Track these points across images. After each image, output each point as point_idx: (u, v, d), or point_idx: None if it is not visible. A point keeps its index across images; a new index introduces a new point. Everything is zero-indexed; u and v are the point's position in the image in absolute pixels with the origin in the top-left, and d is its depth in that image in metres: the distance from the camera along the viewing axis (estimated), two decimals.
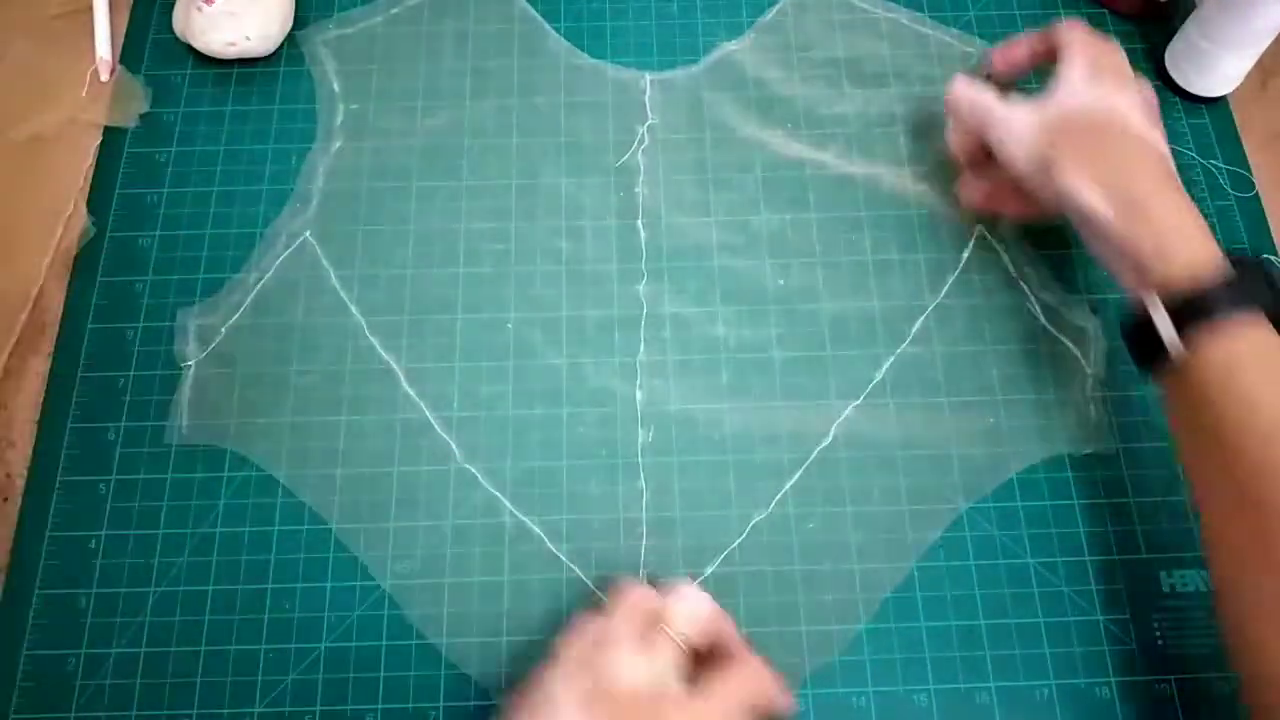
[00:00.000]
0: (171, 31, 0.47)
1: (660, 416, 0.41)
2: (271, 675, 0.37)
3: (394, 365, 0.41)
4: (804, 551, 0.39)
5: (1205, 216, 0.44)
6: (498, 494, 0.40)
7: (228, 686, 0.37)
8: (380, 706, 0.37)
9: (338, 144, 0.46)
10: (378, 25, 0.48)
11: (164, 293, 0.43)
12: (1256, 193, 0.45)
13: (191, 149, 0.46)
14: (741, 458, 0.40)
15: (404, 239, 0.44)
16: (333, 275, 0.43)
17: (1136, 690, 0.37)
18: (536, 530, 0.39)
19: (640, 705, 0.31)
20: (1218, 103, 0.47)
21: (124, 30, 0.49)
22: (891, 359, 0.42)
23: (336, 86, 0.47)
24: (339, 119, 0.46)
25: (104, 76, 0.47)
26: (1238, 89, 0.46)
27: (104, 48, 0.48)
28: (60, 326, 0.42)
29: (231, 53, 0.46)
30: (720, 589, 0.38)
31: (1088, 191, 0.37)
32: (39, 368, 0.42)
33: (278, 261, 0.43)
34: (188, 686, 0.37)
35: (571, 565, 0.39)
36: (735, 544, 0.39)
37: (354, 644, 0.38)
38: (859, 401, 0.41)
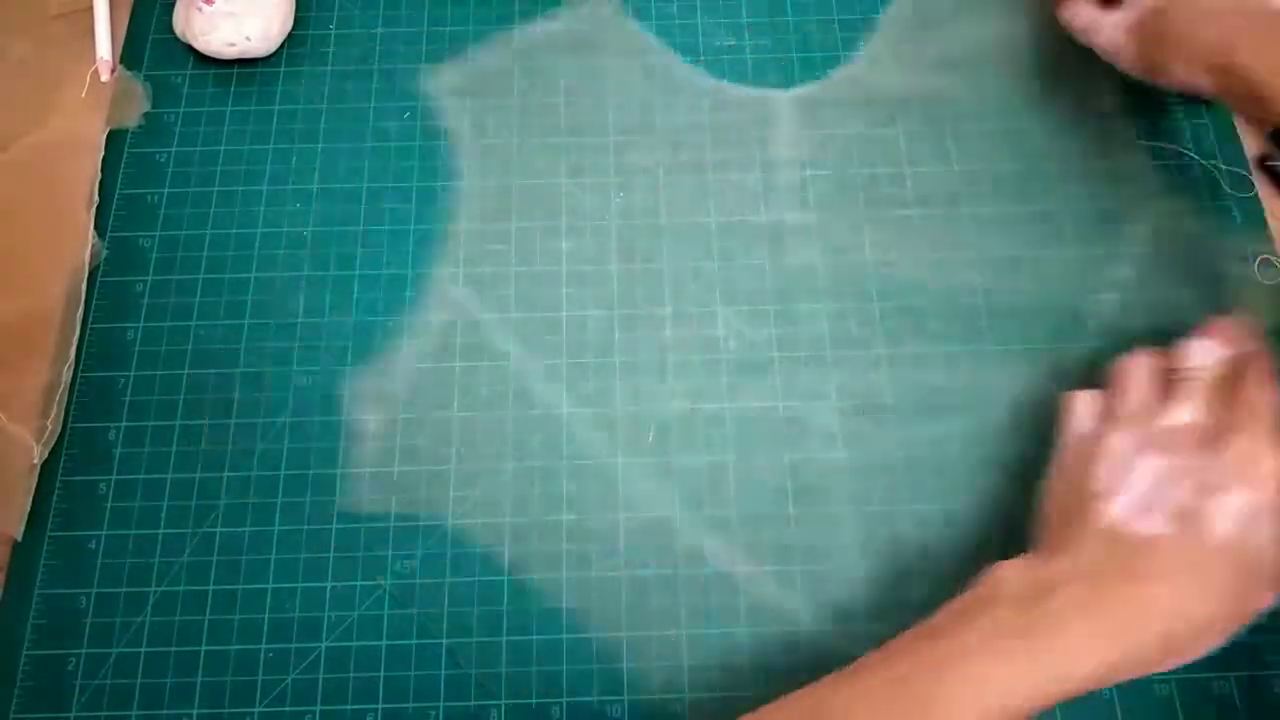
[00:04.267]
0: (172, 32, 0.47)
1: (661, 417, 0.41)
2: (272, 675, 0.37)
3: (563, 404, 0.41)
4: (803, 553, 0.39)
5: (1205, 216, 0.44)
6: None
7: (228, 686, 0.37)
8: (380, 706, 0.37)
9: (473, 184, 0.45)
10: (494, 62, 0.48)
11: (164, 293, 0.43)
12: (1256, 193, 0.45)
13: (192, 149, 0.46)
14: (743, 459, 0.40)
15: (556, 278, 0.43)
16: (490, 319, 0.42)
17: (1136, 690, 0.37)
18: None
19: (1193, 436, 0.33)
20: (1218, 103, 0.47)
21: (124, 31, 0.49)
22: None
23: (465, 126, 0.46)
24: (471, 159, 0.46)
25: (104, 77, 0.47)
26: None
27: (104, 48, 0.48)
28: (61, 326, 0.42)
29: (231, 53, 0.46)
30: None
31: (1200, 82, 0.38)
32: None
33: (431, 313, 0.42)
34: (188, 686, 0.37)
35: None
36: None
37: (354, 644, 0.38)
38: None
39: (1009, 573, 0.32)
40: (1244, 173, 0.45)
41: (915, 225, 0.44)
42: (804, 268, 0.44)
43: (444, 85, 0.47)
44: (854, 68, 0.48)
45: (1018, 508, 0.39)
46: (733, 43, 0.48)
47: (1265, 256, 0.44)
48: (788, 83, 0.48)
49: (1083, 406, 0.36)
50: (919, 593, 0.38)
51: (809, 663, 0.37)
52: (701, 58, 0.48)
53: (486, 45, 0.48)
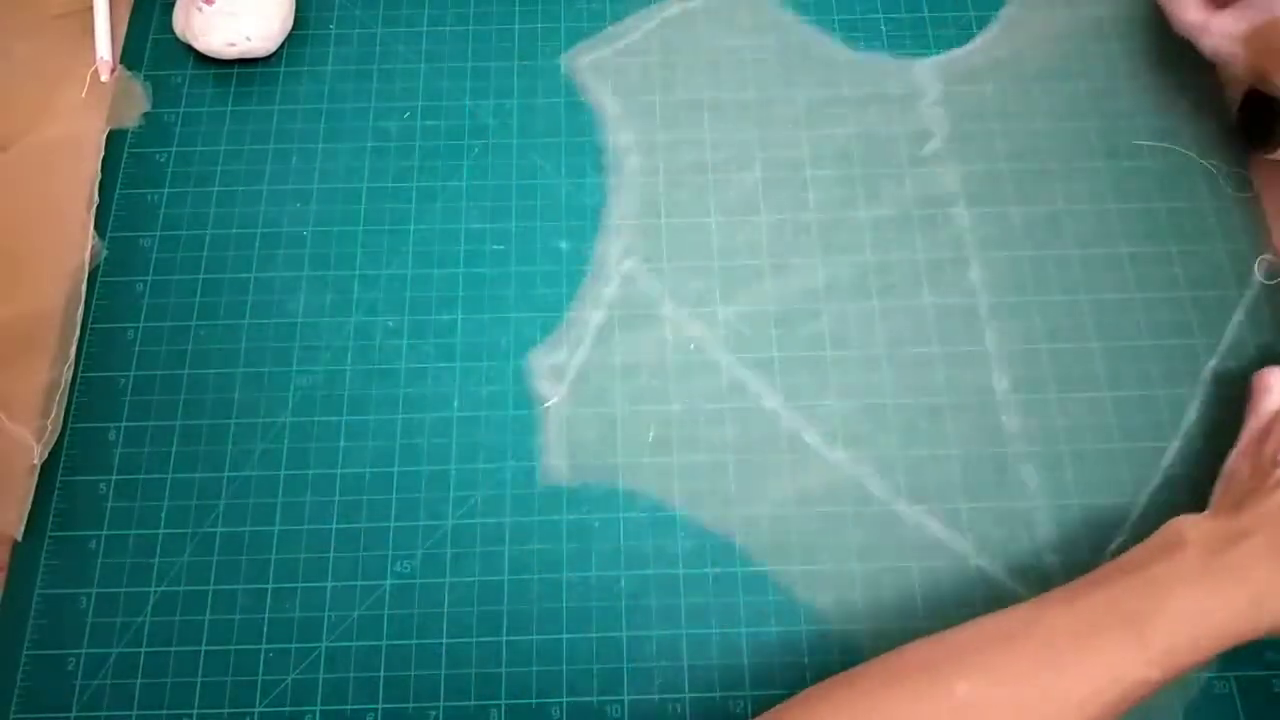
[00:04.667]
0: (172, 32, 0.47)
1: (662, 417, 0.41)
2: (272, 675, 0.37)
3: (763, 386, 0.41)
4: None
5: (1204, 217, 0.44)
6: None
7: (228, 686, 0.37)
8: (380, 706, 0.37)
9: (630, 164, 0.45)
10: (637, 41, 0.48)
11: (164, 293, 0.43)
12: (1256, 193, 0.45)
13: (192, 149, 0.46)
14: (743, 458, 0.40)
15: (708, 247, 0.44)
16: (666, 299, 0.43)
17: None
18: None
19: None
20: None
21: (124, 31, 0.49)
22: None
23: (615, 109, 0.46)
24: (626, 139, 0.46)
25: (104, 77, 0.47)
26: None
27: (104, 48, 0.48)
28: (61, 326, 0.42)
29: (232, 53, 0.46)
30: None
31: None
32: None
33: (607, 290, 0.43)
34: (188, 686, 0.37)
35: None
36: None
37: (354, 643, 0.38)
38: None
39: (1191, 524, 0.34)
40: (1244, 172, 0.45)
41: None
42: (957, 239, 0.44)
43: (584, 63, 0.48)
44: (992, 34, 0.48)
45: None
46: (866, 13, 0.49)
47: (1265, 257, 0.44)
48: (925, 51, 0.48)
49: (1277, 382, 0.38)
50: (919, 588, 0.38)
51: (812, 662, 0.37)
52: (836, 29, 0.48)
53: (626, 21, 0.49)
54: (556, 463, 0.40)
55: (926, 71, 0.47)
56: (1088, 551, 0.39)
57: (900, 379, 0.42)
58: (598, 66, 0.48)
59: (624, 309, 0.43)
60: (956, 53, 0.48)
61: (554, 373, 0.42)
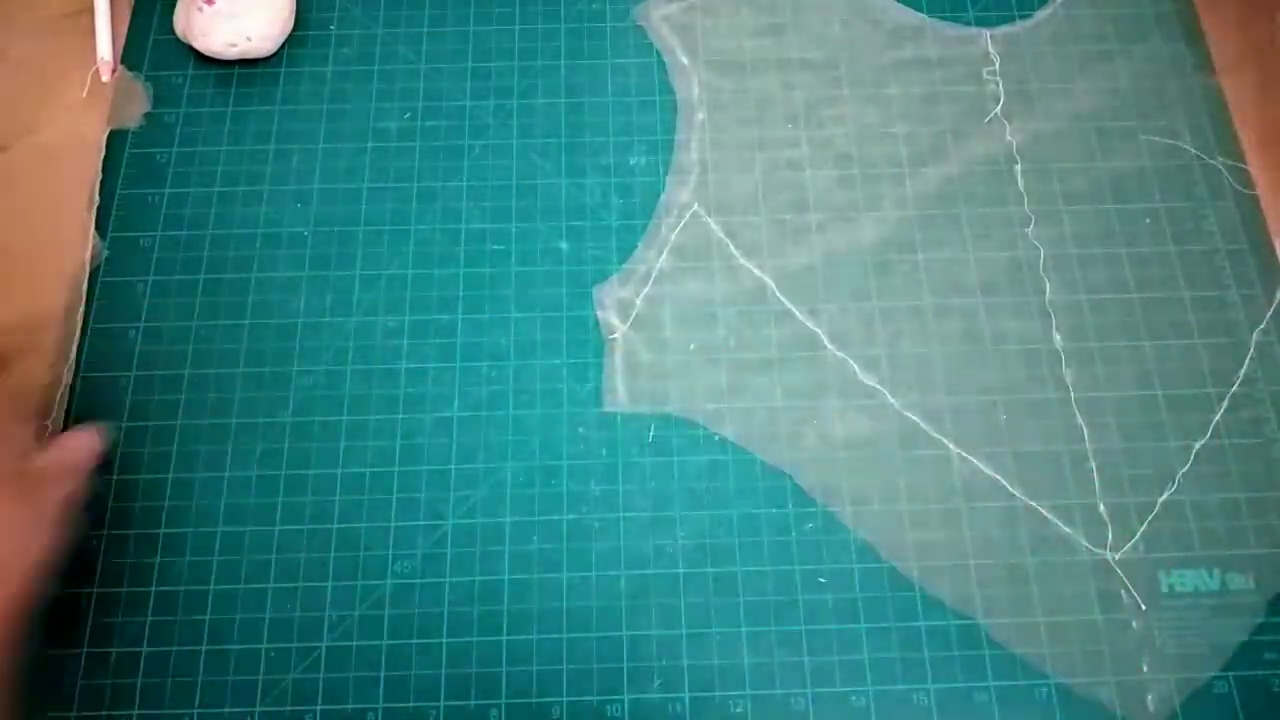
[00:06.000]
0: (172, 32, 0.47)
1: (662, 418, 0.41)
2: (272, 674, 0.37)
3: (815, 328, 0.42)
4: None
5: (1204, 217, 0.44)
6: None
7: (229, 685, 0.37)
8: (381, 705, 0.37)
9: (700, 116, 0.46)
10: None
11: (165, 293, 0.43)
12: (1256, 193, 0.45)
13: (193, 149, 0.46)
14: (742, 458, 0.40)
15: (801, 201, 0.45)
16: (730, 244, 0.44)
17: (1135, 689, 0.37)
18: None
19: None
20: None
21: (125, 31, 0.49)
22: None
23: (685, 60, 0.48)
24: (695, 91, 0.47)
25: (105, 77, 0.47)
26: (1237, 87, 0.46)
27: (105, 49, 0.48)
28: (61, 326, 0.42)
29: (232, 53, 0.46)
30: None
31: None
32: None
33: (674, 235, 0.44)
34: (188, 686, 0.37)
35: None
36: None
37: (355, 643, 0.38)
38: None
39: None
40: (1244, 170, 0.45)
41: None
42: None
43: (658, 15, 0.49)
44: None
45: None
46: None
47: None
48: (992, 21, 0.49)
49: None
50: (918, 588, 0.39)
51: (808, 661, 0.37)
52: None
53: None
54: (618, 388, 0.41)
55: (989, 41, 0.48)
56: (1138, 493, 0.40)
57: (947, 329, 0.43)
58: (669, 19, 0.49)
59: (684, 256, 0.44)
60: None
61: (620, 307, 0.42)
